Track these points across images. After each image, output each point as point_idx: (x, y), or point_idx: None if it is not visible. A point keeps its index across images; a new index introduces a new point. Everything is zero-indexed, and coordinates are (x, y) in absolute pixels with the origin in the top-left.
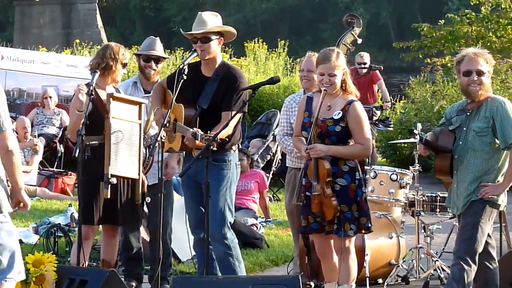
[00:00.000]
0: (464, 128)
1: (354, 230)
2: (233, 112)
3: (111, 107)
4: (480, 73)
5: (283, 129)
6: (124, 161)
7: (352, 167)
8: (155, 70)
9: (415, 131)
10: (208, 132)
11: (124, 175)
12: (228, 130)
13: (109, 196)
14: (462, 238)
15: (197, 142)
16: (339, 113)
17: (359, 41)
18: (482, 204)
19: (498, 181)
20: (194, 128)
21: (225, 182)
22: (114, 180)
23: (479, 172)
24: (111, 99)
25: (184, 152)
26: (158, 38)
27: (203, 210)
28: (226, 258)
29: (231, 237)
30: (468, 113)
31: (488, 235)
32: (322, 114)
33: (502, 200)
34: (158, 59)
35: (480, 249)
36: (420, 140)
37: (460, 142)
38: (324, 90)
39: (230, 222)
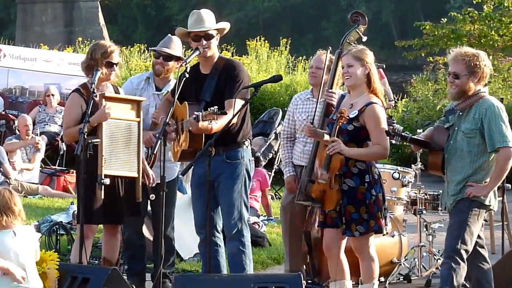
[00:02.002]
0: (456, 128)
1: (360, 232)
2: (236, 100)
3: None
4: (456, 76)
5: (285, 129)
6: (120, 160)
7: (362, 169)
8: (164, 67)
9: (391, 133)
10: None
11: (119, 174)
12: (233, 118)
13: (102, 197)
14: (449, 238)
15: (199, 124)
16: (355, 112)
17: (364, 38)
18: (468, 203)
19: (485, 182)
20: (195, 113)
21: (239, 180)
22: (107, 181)
23: (465, 173)
24: (103, 99)
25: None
26: (175, 37)
27: (213, 209)
28: (239, 255)
29: (247, 235)
30: (460, 113)
31: (478, 236)
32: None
33: (490, 200)
34: (169, 57)
35: (469, 248)
36: (404, 139)
37: (451, 142)
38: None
39: (247, 219)
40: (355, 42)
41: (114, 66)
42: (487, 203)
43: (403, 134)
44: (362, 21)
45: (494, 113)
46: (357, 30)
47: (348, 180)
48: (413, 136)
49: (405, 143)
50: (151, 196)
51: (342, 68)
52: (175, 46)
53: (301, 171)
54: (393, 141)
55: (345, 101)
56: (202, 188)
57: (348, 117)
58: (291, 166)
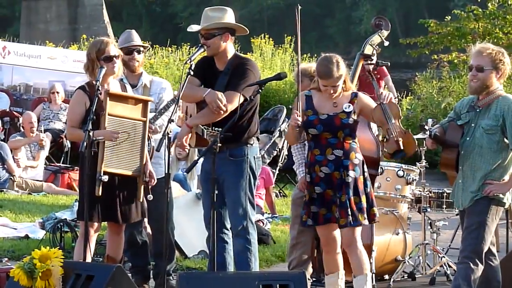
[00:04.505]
0: (473, 124)
1: (366, 220)
2: (239, 95)
3: (108, 104)
4: (479, 69)
5: None
6: (121, 158)
7: (361, 160)
8: (138, 61)
9: (426, 127)
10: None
11: (119, 172)
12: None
13: (100, 193)
14: (468, 238)
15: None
16: (349, 105)
17: (386, 43)
18: (487, 203)
19: (503, 180)
20: (200, 126)
21: (244, 177)
22: (105, 178)
23: (484, 169)
24: (107, 96)
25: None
26: (133, 30)
27: (221, 206)
28: (245, 252)
29: (253, 232)
30: (478, 110)
31: None
32: (330, 111)
33: (507, 198)
34: (139, 50)
35: (486, 248)
36: (429, 135)
37: (468, 138)
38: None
39: (252, 217)
40: (377, 45)
41: (114, 58)
42: (504, 200)
43: (430, 129)
44: (385, 26)
45: None
46: (379, 34)
47: (351, 172)
48: (436, 132)
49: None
50: (148, 196)
51: (325, 86)
52: (137, 37)
53: None
54: (424, 136)
55: (319, 101)
56: (209, 184)
57: (344, 111)
58: (304, 166)
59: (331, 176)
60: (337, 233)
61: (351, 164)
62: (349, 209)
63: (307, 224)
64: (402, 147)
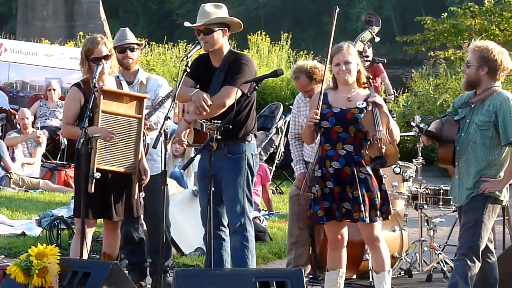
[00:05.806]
0: (467, 120)
1: (379, 217)
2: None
3: (102, 101)
4: (467, 65)
5: (292, 130)
6: (115, 155)
7: None
8: (132, 59)
9: (412, 123)
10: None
11: (112, 169)
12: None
13: (92, 190)
14: (464, 235)
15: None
16: (363, 103)
17: (377, 39)
18: (483, 200)
19: (499, 177)
20: (199, 120)
21: (241, 174)
22: (98, 175)
23: (479, 166)
24: (101, 93)
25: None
26: (127, 28)
27: (218, 203)
28: (242, 249)
29: (250, 230)
30: (472, 106)
31: None
32: (344, 105)
33: (504, 195)
34: (132, 48)
35: (483, 245)
36: (420, 131)
37: (462, 134)
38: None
39: (250, 214)
40: (368, 42)
41: (102, 60)
42: (501, 198)
43: (420, 126)
44: (376, 22)
45: (509, 106)
46: (370, 30)
47: (363, 168)
48: (428, 129)
49: (419, 135)
50: (140, 194)
51: (337, 65)
52: (131, 35)
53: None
54: (412, 133)
55: (334, 96)
56: (207, 181)
57: (357, 107)
58: (302, 163)
59: (340, 171)
60: (344, 230)
61: (364, 161)
62: (362, 205)
63: (325, 220)
64: (383, 155)
